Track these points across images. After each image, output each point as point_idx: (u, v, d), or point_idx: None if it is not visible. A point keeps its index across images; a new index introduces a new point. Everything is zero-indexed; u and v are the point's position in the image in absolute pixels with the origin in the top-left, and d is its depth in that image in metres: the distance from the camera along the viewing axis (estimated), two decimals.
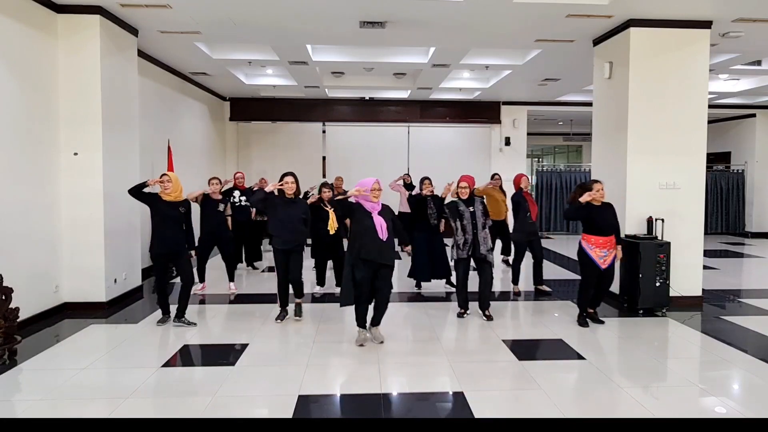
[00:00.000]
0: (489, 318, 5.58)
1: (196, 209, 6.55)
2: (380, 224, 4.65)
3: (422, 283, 7.10)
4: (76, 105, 5.82)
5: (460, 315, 5.70)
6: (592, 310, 5.54)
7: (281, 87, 10.97)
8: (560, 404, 3.58)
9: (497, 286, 7.21)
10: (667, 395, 3.83)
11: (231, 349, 4.71)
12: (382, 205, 4.82)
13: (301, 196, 5.65)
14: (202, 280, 7.01)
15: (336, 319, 5.67)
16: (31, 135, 5.39)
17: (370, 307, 4.89)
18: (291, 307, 5.71)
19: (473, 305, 5.79)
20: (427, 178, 6.95)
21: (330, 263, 7.14)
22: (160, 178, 5.32)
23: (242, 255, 8.45)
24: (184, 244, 5.40)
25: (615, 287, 6.06)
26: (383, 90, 11.90)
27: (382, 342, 4.80)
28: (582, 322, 5.44)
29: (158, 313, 5.65)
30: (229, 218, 7.39)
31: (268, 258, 9.47)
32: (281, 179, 5.40)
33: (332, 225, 6.43)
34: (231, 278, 7.04)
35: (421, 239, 6.71)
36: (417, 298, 6.74)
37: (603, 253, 5.27)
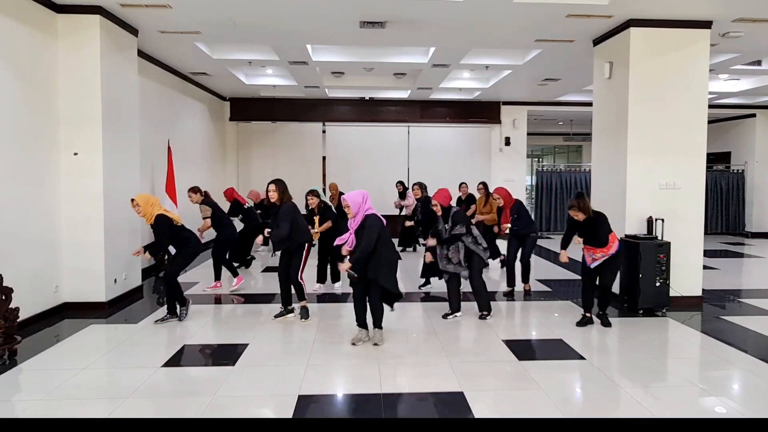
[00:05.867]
0: (482, 317, 5.62)
1: (195, 220, 6.83)
2: (349, 246, 4.75)
3: (431, 281, 7.09)
4: (76, 105, 5.82)
5: (449, 316, 5.72)
6: (602, 312, 5.48)
7: (281, 87, 10.97)
8: (560, 404, 3.58)
9: (492, 287, 7.19)
10: (667, 395, 3.83)
11: (231, 349, 4.70)
12: (365, 216, 4.66)
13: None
14: (217, 278, 7.11)
15: (336, 319, 5.67)
16: (31, 135, 5.38)
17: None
18: (294, 307, 5.70)
19: (473, 306, 5.80)
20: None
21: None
22: (131, 203, 5.31)
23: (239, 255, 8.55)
24: (182, 247, 5.46)
25: (615, 287, 6.05)
26: (383, 90, 11.90)
27: (375, 344, 4.77)
28: (579, 322, 5.43)
29: (158, 313, 5.68)
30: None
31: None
32: (267, 190, 5.46)
33: (315, 234, 6.45)
34: (217, 277, 7.16)
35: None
36: (417, 298, 6.74)
37: (590, 254, 5.32)
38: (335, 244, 4.89)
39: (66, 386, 3.87)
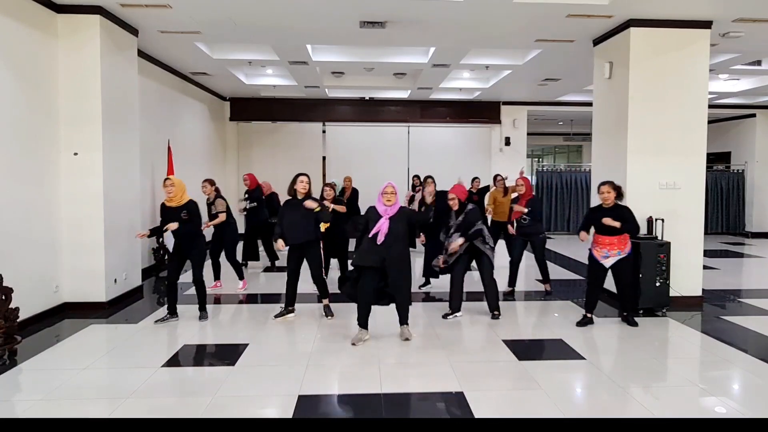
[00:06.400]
0: (494, 317, 5.63)
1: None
2: (379, 229, 4.70)
3: (431, 281, 7.12)
4: (76, 105, 5.82)
5: (449, 316, 5.72)
6: (625, 314, 5.51)
7: (281, 87, 10.96)
8: (560, 404, 3.58)
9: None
10: (667, 395, 3.83)
11: (231, 349, 4.70)
12: (400, 208, 4.83)
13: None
14: (217, 278, 7.14)
15: (336, 318, 5.66)
16: (31, 135, 5.38)
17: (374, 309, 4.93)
18: (295, 307, 5.70)
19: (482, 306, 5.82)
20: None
21: (334, 262, 7.18)
22: (164, 182, 5.35)
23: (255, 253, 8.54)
24: (193, 247, 5.43)
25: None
26: (383, 90, 11.89)
27: (407, 339, 4.87)
28: (579, 322, 5.44)
29: (158, 313, 5.67)
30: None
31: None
32: (294, 180, 5.48)
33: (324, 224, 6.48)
34: (217, 276, 7.18)
35: (434, 243, 6.73)
36: (417, 298, 6.73)
37: (604, 252, 5.29)
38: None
39: (66, 386, 3.87)
